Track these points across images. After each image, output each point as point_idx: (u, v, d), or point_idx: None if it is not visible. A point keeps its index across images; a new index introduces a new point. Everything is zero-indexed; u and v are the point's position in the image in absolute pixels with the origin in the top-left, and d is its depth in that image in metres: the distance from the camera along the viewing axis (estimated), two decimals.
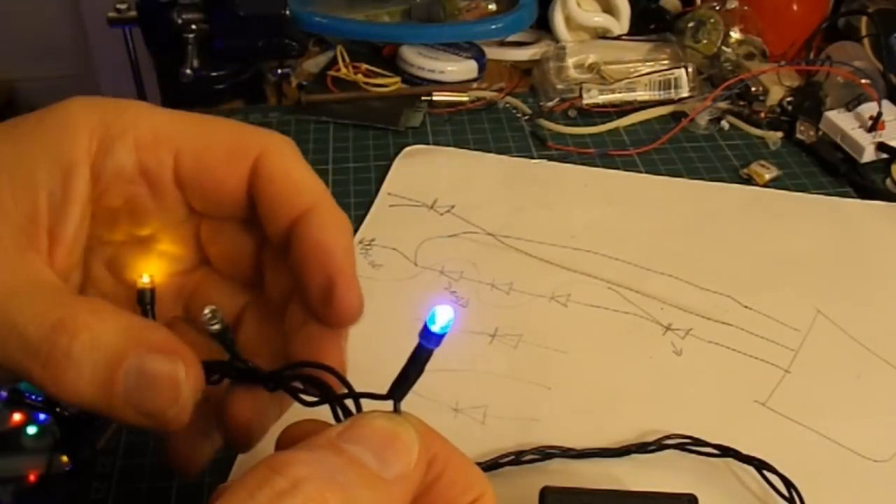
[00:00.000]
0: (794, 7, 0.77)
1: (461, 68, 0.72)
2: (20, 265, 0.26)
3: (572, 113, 0.68)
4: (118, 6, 0.71)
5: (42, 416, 0.37)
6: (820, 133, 0.64)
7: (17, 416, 0.38)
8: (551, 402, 0.43)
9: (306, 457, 0.22)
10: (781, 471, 0.38)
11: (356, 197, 0.58)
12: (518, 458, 0.39)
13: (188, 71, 0.67)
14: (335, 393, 0.26)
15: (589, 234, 0.54)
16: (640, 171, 0.61)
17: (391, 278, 0.50)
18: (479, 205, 0.56)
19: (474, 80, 0.73)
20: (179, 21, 0.67)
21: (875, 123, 0.62)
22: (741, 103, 0.67)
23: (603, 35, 0.76)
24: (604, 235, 0.54)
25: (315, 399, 0.26)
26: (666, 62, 0.70)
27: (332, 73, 0.71)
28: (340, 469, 0.22)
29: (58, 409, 0.32)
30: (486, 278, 0.50)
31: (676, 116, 0.67)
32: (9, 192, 0.26)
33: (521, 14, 0.76)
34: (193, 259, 0.31)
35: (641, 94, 0.68)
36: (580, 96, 0.67)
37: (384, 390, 0.25)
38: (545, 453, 0.39)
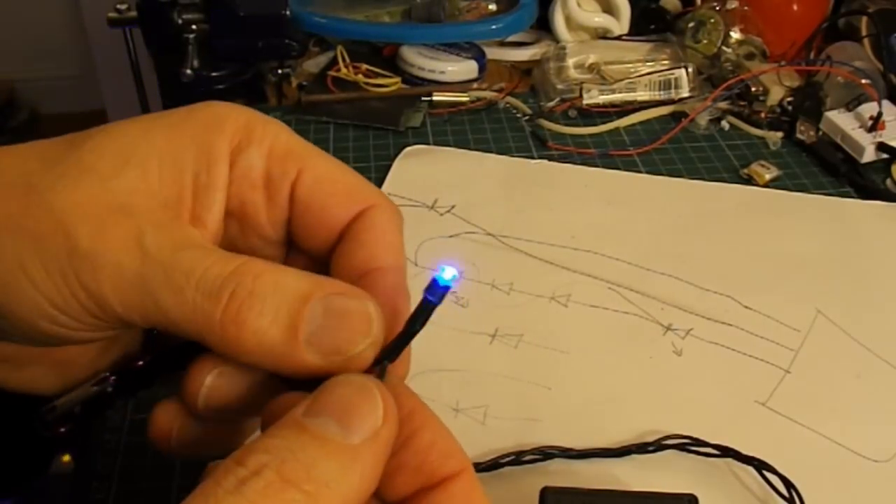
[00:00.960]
0: (795, 7, 0.77)
1: (461, 68, 0.72)
2: (178, 229, 0.27)
3: (572, 113, 0.68)
4: (118, 6, 0.71)
5: None
6: (820, 133, 0.64)
7: None
8: (551, 403, 0.43)
9: (268, 443, 0.22)
10: (781, 471, 0.38)
11: None
12: (518, 458, 0.39)
13: (188, 71, 0.67)
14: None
15: (589, 234, 0.54)
16: (641, 172, 0.61)
17: None
18: (480, 205, 0.56)
19: (474, 80, 0.73)
20: (180, 21, 0.67)
21: (875, 123, 0.62)
22: (741, 103, 0.67)
23: (603, 35, 0.76)
24: (604, 235, 0.54)
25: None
26: (666, 62, 0.70)
27: (332, 73, 0.71)
28: (302, 446, 0.22)
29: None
30: (487, 278, 0.50)
31: (677, 116, 0.67)
32: (156, 174, 0.27)
33: (521, 14, 0.76)
34: None
35: (642, 95, 0.68)
36: (580, 96, 0.67)
37: None
38: (545, 453, 0.39)
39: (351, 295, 0.26)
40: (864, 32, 0.74)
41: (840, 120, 0.63)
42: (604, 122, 0.67)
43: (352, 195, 0.30)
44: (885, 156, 0.61)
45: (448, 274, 0.24)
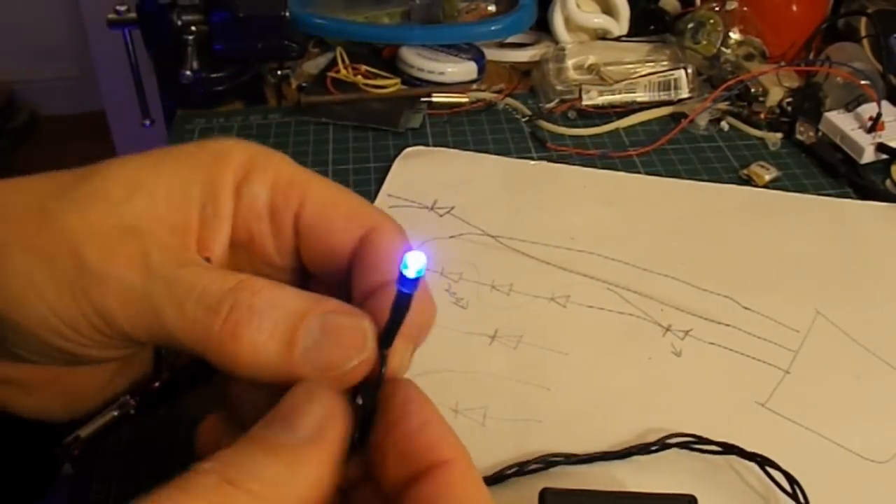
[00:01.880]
0: (794, 8, 0.77)
1: (461, 69, 0.72)
2: (183, 250, 0.28)
3: (572, 114, 0.68)
4: (118, 8, 0.71)
5: None
6: (819, 134, 0.64)
7: None
8: (551, 404, 0.43)
9: (220, 453, 0.23)
10: None
11: None
12: (522, 468, 0.39)
13: (188, 72, 0.67)
14: None
15: (589, 235, 0.54)
16: (640, 172, 0.61)
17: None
18: (479, 206, 0.56)
19: (474, 81, 0.73)
20: (179, 23, 0.67)
21: (875, 124, 0.62)
22: (741, 104, 0.67)
23: (602, 36, 0.77)
24: (603, 236, 0.54)
25: None
26: (665, 63, 0.70)
27: (331, 74, 0.71)
28: (249, 451, 0.23)
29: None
30: (486, 279, 0.50)
31: (676, 117, 0.67)
32: (164, 202, 0.29)
33: (520, 15, 0.76)
34: None
35: (641, 96, 0.68)
36: (580, 97, 0.67)
37: None
38: (548, 461, 0.39)
39: (347, 313, 0.27)
40: (863, 33, 0.74)
41: (839, 120, 0.63)
42: (603, 123, 0.67)
43: (354, 219, 0.31)
44: (884, 156, 0.61)
45: (413, 263, 0.24)
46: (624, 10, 0.76)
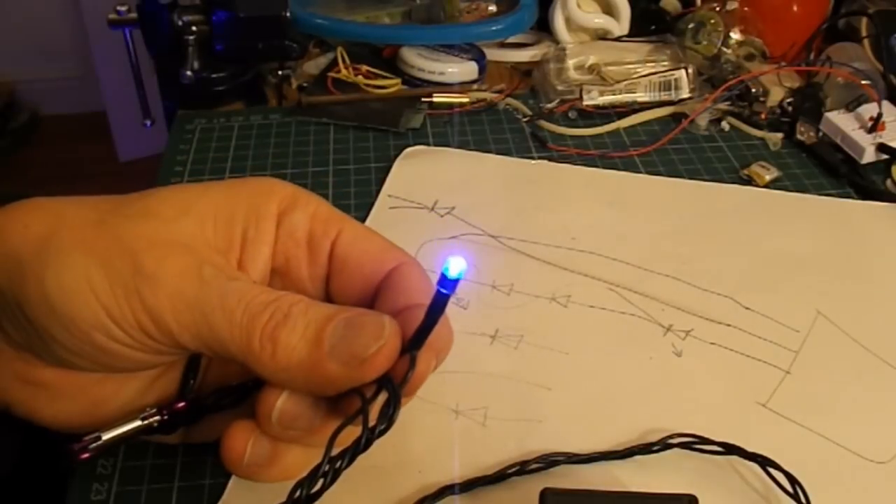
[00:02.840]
0: (794, 8, 0.77)
1: (461, 70, 0.72)
2: (230, 268, 0.32)
3: (572, 114, 0.68)
4: (118, 8, 0.71)
5: None
6: (820, 134, 0.64)
7: None
8: (552, 403, 0.43)
9: None
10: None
11: (356, 199, 0.58)
12: (523, 468, 0.39)
13: (189, 73, 0.67)
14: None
15: (589, 235, 0.54)
16: (641, 172, 0.61)
17: None
18: (480, 206, 0.56)
19: (474, 81, 0.73)
20: (180, 23, 0.67)
21: (875, 124, 0.62)
22: (741, 104, 0.67)
23: (603, 36, 0.76)
24: (604, 236, 0.54)
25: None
26: (666, 63, 0.70)
27: (332, 74, 0.71)
28: None
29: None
30: (487, 279, 0.50)
31: (677, 117, 0.67)
32: (211, 226, 0.32)
33: (521, 15, 0.76)
34: None
35: (642, 96, 0.68)
36: (580, 97, 0.67)
37: None
38: (550, 461, 0.39)
39: (369, 314, 0.30)
40: (864, 33, 0.74)
41: (840, 121, 0.63)
42: (604, 123, 0.67)
43: (384, 253, 0.34)
44: (885, 157, 0.61)
45: (455, 266, 0.27)
46: (624, 11, 0.76)
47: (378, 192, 0.58)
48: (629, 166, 0.62)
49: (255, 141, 0.65)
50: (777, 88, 0.67)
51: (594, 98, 0.67)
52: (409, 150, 0.62)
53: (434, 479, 0.38)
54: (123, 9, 0.71)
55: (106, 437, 0.32)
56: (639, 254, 0.52)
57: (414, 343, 0.30)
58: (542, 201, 0.57)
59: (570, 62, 0.71)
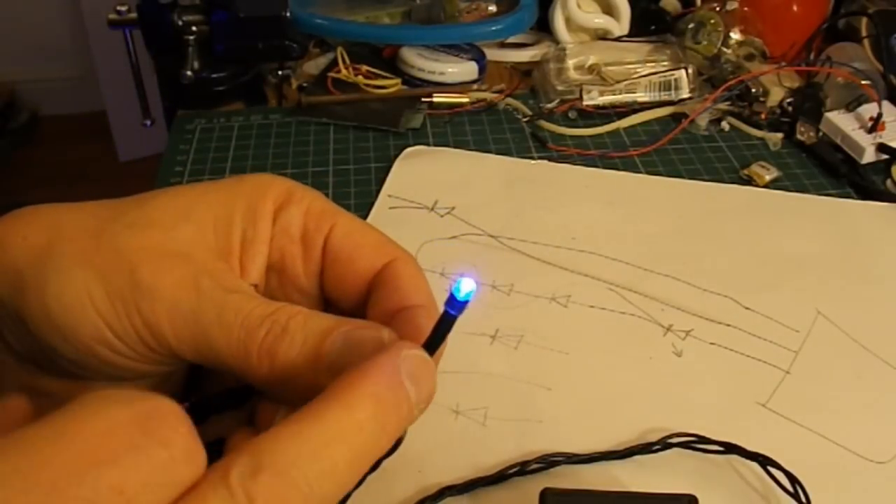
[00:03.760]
0: (795, 8, 0.77)
1: (461, 70, 0.72)
2: (229, 277, 0.32)
3: (572, 114, 0.68)
4: (118, 8, 0.71)
5: None
6: (820, 134, 0.64)
7: None
8: (552, 403, 0.43)
9: None
10: None
11: (356, 199, 0.58)
12: (524, 468, 0.39)
13: (189, 73, 0.67)
14: None
15: (589, 235, 0.54)
16: (641, 172, 0.61)
17: None
18: (480, 206, 0.56)
19: (474, 81, 0.73)
20: (180, 23, 0.67)
21: (875, 124, 0.62)
22: (741, 104, 0.67)
23: (603, 36, 0.76)
24: (604, 236, 0.54)
25: None
26: (666, 63, 0.70)
27: (332, 74, 0.71)
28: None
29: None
30: (487, 280, 0.50)
31: (677, 117, 0.67)
32: (211, 230, 0.32)
33: (521, 15, 0.76)
34: None
35: (642, 96, 0.68)
36: (580, 98, 0.67)
37: None
38: (550, 461, 0.39)
39: (366, 327, 0.29)
40: (864, 33, 0.74)
41: (840, 121, 0.63)
42: (604, 124, 0.67)
43: (378, 248, 0.34)
44: (885, 156, 0.61)
45: (465, 287, 0.26)
46: (625, 11, 0.76)
47: (378, 192, 0.58)
48: (629, 166, 0.62)
49: (255, 141, 0.65)
50: (777, 88, 0.67)
51: (594, 98, 0.67)
52: (409, 150, 0.62)
53: (434, 479, 0.38)
54: (123, 9, 0.71)
55: None
56: (639, 254, 0.52)
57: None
58: (542, 201, 0.57)
59: (570, 62, 0.71)
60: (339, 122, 0.66)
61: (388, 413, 0.26)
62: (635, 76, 0.69)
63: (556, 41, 0.76)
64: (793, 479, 0.38)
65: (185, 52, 0.68)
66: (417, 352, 0.27)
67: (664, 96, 0.68)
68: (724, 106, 0.67)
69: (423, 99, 0.68)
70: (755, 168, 0.61)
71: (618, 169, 0.62)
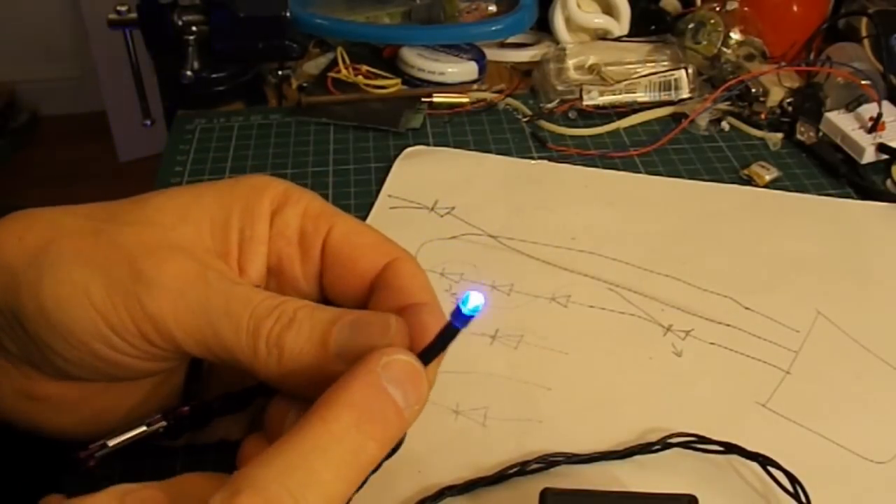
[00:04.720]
0: (794, 8, 0.77)
1: (461, 70, 0.72)
2: (232, 272, 0.32)
3: (572, 114, 0.68)
4: (118, 8, 0.71)
5: None
6: (820, 134, 0.64)
7: None
8: (552, 403, 0.43)
9: None
10: None
11: (356, 199, 0.58)
12: (524, 468, 0.39)
13: (189, 73, 0.67)
14: None
15: (589, 235, 0.54)
16: (641, 172, 0.61)
17: None
18: (480, 206, 0.56)
19: (474, 81, 0.73)
20: (180, 23, 0.67)
21: (875, 124, 0.62)
22: (741, 104, 0.67)
23: (603, 36, 0.76)
24: (604, 236, 0.54)
25: None
26: (666, 63, 0.70)
27: (332, 74, 0.71)
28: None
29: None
30: (487, 280, 0.50)
31: (677, 118, 0.67)
32: (208, 232, 0.32)
33: (521, 15, 0.76)
34: None
35: (641, 96, 0.68)
36: (580, 98, 0.67)
37: None
38: (550, 461, 0.39)
39: (374, 314, 0.30)
40: (864, 33, 0.74)
41: (840, 121, 0.63)
42: (604, 124, 0.67)
43: (378, 248, 0.33)
44: (885, 157, 0.61)
45: (472, 301, 0.26)
46: (624, 11, 0.76)
47: (378, 192, 0.58)
48: (629, 166, 0.62)
49: (255, 141, 0.65)
50: (777, 88, 0.67)
51: (594, 98, 0.67)
52: (409, 150, 0.62)
53: (434, 480, 0.38)
54: (123, 9, 0.71)
55: (112, 444, 0.31)
56: (639, 254, 0.52)
57: (422, 359, 0.29)
58: (542, 201, 0.57)
59: (570, 62, 0.71)
60: (339, 122, 0.66)
61: (371, 420, 0.26)
62: (635, 76, 0.69)
63: (556, 41, 0.76)
64: (793, 479, 0.38)
65: (185, 52, 0.68)
66: (400, 356, 0.27)
67: (664, 96, 0.68)
68: (724, 106, 0.67)
69: (423, 99, 0.68)
70: (755, 168, 0.61)
71: (618, 169, 0.62)
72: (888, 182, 0.61)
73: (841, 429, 0.42)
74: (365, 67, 0.72)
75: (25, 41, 2.24)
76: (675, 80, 0.68)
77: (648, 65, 0.70)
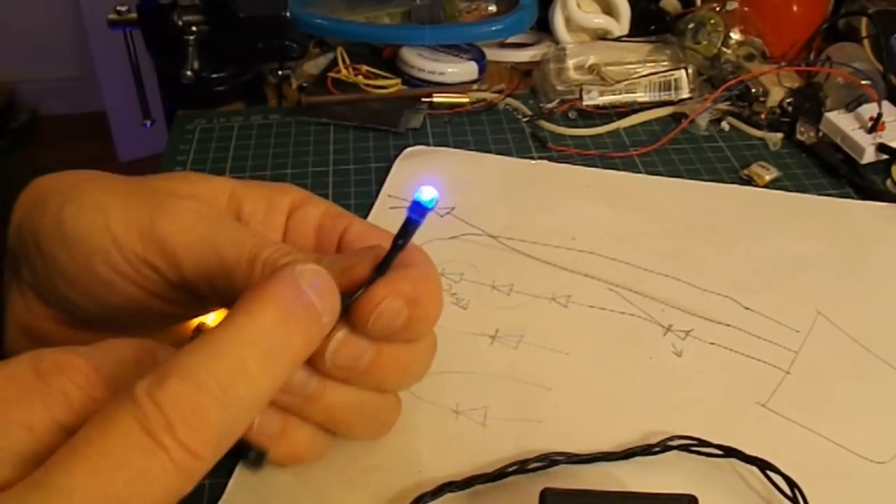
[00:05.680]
0: (794, 8, 0.77)
1: (461, 70, 0.72)
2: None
3: (572, 114, 0.68)
4: (118, 8, 0.71)
5: None
6: (820, 134, 0.64)
7: None
8: (552, 403, 0.43)
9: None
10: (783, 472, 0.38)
11: (356, 199, 0.58)
12: (523, 466, 0.39)
13: (189, 73, 0.67)
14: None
15: (589, 235, 0.54)
16: (641, 172, 0.61)
17: None
18: (480, 206, 0.56)
19: (474, 81, 0.73)
20: (180, 23, 0.67)
21: (875, 124, 0.62)
22: (741, 104, 0.67)
23: (603, 36, 0.77)
24: (604, 236, 0.54)
25: None
26: (666, 63, 0.70)
27: (332, 74, 0.71)
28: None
29: None
30: (487, 280, 0.50)
31: (676, 118, 0.67)
32: (225, 201, 0.36)
33: (521, 15, 0.76)
34: None
35: (641, 96, 0.68)
36: (580, 98, 0.67)
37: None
38: (550, 460, 0.39)
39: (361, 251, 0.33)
40: (863, 33, 0.74)
41: (840, 121, 0.63)
42: (604, 124, 0.67)
43: (390, 241, 0.35)
44: (885, 157, 0.61)
45: (427, 194, 0.28)
46: (624, 11, 0.76)
47: (378, 192, 0.58)
48: (629, 166, 0.62)
49: (255, 141, 0.65)
50: (777, 88, 0.67)
51: (594, 98, 0.67)
52: (409, 150, 0.62)
53: (434, 480, 0.38)
54: (123, 9, 0.71)
55: None
56: (639, 254, 0.52)
57: (380, 267, 0.31)
58: (542, 201, 0.57)
59: (570, 62, 0.71)
60: (339, 122, 0.66)
61: (295, 318, 0.27)
62: (635, 76, 0.69)
63: (556, 41, 0.76)
64: (791, 484, 0.38)
65: (185, 52, 0.68)
66: (312, 266, 0.29)
67: (664, 96, 0.68)
68: (724, 106, 0.67)
69: (423, 99, 0.68)
70: (755, 168, 0.61)
71: (618, 169, 0.62)
72: (888, 182, 0.61)
73: (841, 429, 0.42)
74: (365, 67, 0.72)
75: (25, 41, 2.24)
76: (675, 80, 0.68)
77: (648, 65, 0.70)
